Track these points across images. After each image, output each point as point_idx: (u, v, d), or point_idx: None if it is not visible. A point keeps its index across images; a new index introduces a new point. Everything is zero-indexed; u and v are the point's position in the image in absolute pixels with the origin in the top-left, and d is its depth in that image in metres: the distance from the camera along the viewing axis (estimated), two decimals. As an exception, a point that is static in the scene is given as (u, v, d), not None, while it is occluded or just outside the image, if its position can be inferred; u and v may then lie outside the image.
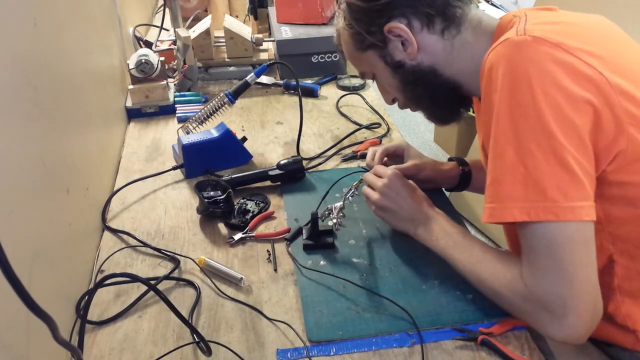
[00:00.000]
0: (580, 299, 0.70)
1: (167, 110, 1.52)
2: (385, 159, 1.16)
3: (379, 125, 1.44)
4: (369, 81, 1.70)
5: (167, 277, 0.96)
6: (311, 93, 1.61)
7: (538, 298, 0.73)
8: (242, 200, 1.14)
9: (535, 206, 0.70)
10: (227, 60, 1.70)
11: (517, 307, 0.78)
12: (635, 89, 0.73)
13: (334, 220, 1.00)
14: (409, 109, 1.01)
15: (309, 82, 1.67)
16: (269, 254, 1.01)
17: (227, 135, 1.24)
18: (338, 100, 1.58)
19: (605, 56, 0.74)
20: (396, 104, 1.02)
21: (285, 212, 1.12)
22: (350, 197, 1.03)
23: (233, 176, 1.18)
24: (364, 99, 1.59)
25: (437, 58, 0.88)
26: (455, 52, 0.86)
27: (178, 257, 1.00)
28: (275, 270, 0.98)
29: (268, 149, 1.36)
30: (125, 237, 1.07)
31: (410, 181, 1.02)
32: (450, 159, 1.17)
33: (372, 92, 1.65)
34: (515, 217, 0.72)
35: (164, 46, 1.72)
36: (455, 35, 0.86)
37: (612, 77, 0.72)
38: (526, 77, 0.70)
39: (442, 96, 0.92)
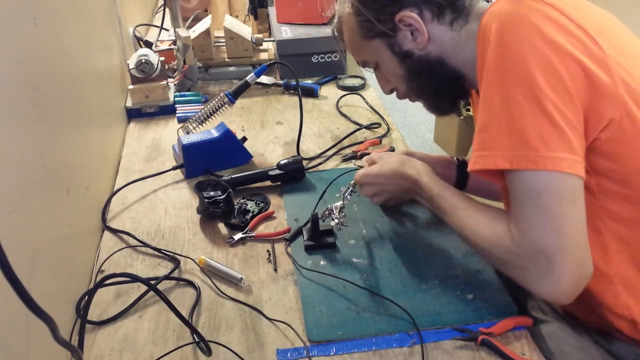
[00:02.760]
0: (566, 253, 0.70)
1: (167, 110, 1.52)
2: None
3: (379, 125, 1.44)
4: (369, 81, 1.71)
5: (167, 277, 0.96)
6: (311, 93, 1.61)
7: (525, 251, 0.72)
8: (242, 200, 1.14)
9: (518, 154, 0.71)
10: (227, 60, 1.70)
11: (506, 263, 0.77)
12: (630, 67, 0.74)
13: (336, 220, 1.00)
14: (407, 102, 1.01)
15: (309, 82, 1.67)
16: (269, 254, 1.01)
17: (227, 135, 1.24)
18: (338, 100, 1.58)
19: (601, 31, 0.74)
20: (393, 96, 1.01)
21: (285, 212, 1.12)
22: (348, 196, 1.03)
23: (233, 176, 1.18)
24: (364, 98, 1.58)
25: (445, 48, 0.88)
26: (462, 42, 0.87)
27: (178, 257, 1.00)
28: (275, 270, 0.98)
29: (268, 149, 1.36)
30: (125, 237, 1.07)
31: (394, 159, 1.02)
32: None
33: (372, 92, 1.65)
34: (497, 165, 0.72)
35: (164, 46, 1.72)
36: (462, 25, 0.86)
37: (607, 48, 0.72)
38: (517, 29, 0.71)
39: (446, 87, 0.93)
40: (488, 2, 0.88)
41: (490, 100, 0.73)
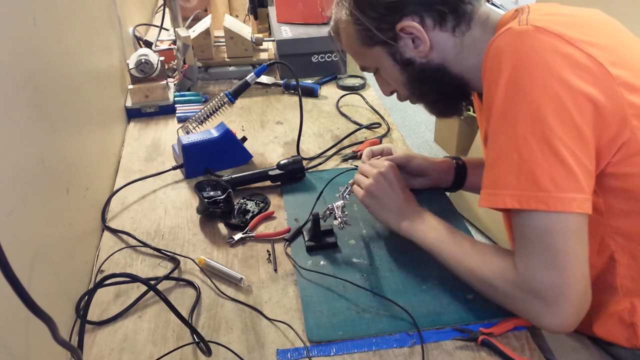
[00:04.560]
0: (572, 287, 0.71)
1: (167, 110, 1.52)
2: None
3: (379, 125, 1.44)
4: (369, 81, 1.71)
5: (167, 277, 0.96)
6: (311, 93, 1.61)
7: (530, 286, 0.73)
8: (242, 200, 1.14)
9: (527, 195, 0.71)
10: (227, 60, 1.70)
11: (508, 296, 0.78)
12: (636, 79, 0.73)
13: (339, 219, 1.00)
14: (407, 102, 1.00)
15: (309, 82, 1.67)
16: (269, 254, 1.01)
17: (227, 135, 1.24)
18: (338, 100, 1.57)
19: (606, 47, 0.74)
20: (394, 96, 1.01)
21: (285, 212, 1.12)
22: (347, 195, 1.03)
23: (233, 176, 1.18)
24: (364, 98, 1.58)
25: (446, 55, 0.87)
26: (464, 49, 0.86)
27: (178, 257, 1.00)
28: (275, 270, 0.98)
29: (268, 149, 1.36)
30: (125, 237, 1.07)
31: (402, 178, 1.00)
32: (446, 157, 1.17)
33: (372, 92, 1.64)
34: (506, 204, 0.72)
35: (164, 46, 1.72)
36: (465, 32, 0.85)
37: (613, 69, 0.72)
38: (526, 66, 0.70)
39: (448, 92, 0.92)
40: (496, 6, 0.87)
41: (500, 137, 0.73)
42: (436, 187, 1.15)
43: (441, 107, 0.98)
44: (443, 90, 0.91)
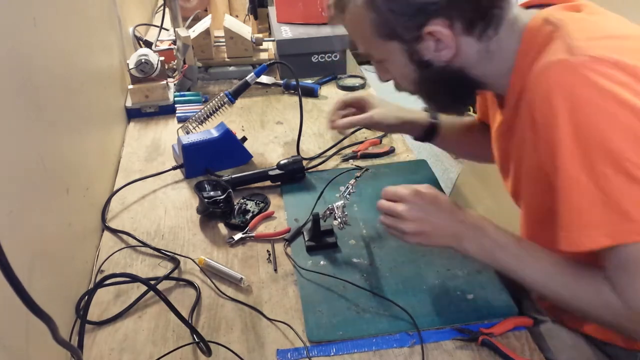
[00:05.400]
0: None
1: (167, 110, 1.52)
2: (347, 111, 1.15)
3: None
4: (369, 82, 1.71)
5: (167, 277, 0.96)
6: (311, 93, 1.61)
7: (638, 315, 0.71)
8: (242, 200, 1.14)
9: (619, 229, 0.68)
10: (227, 60, 1.70)
11: (613, 324, 0.76)
12: None
13: (339, 220, 1.00)
14: (407, 99, 0.97)
15: (309, 82, 1.67)
16: (269, 254, 1.01)
17: (227, 135, 1.24)
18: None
19: None
20: (394, 94, 0.97)
21: (285, 212, 1.12)
22: (348, 196, 1.02)
23: (233, 176, 1.18)
24: None
25: (469, 61, 0.81)
26: (488, 54, 0.81)
27: (178, 257, 1.00)
28: (275, 270, 0.98)
29: (268, 149, 1.36)
30: (125, 237, 1.07)
31: (431, 190, 0.88)
32: (425, 110, 1.12)
33: (372, 91, 1.64)
34: (600, 244, 0.69)
35: (164, 46, 1.72)
36: (492, 37, 0.79)
37: None
38: (590, 103, 0.67)
39: (458, 95, 0.88)
40: (528, 8, 0.83)
41: (576, 181, 0.69)
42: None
43: (445, 106, 0.94)
44: (454, 92, 0.87)
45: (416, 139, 1.16)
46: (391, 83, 0.94)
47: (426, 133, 1.14)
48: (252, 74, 1.27)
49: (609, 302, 0.73)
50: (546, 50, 0.74)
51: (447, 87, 0.85)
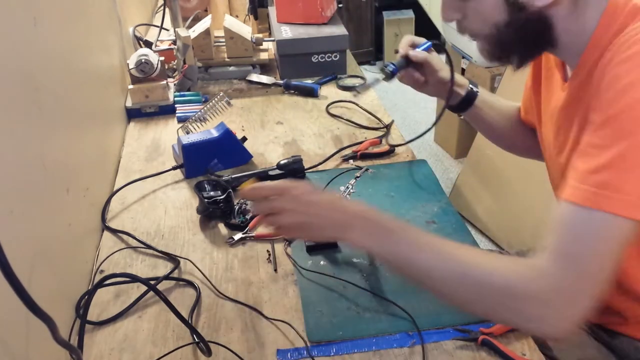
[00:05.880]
0: (592, 298, 0.67)
1: (167, 110, 1.52)
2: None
3: (383, 127, 1.44)
4: (369, 82, 1.71)
5: (167, 277, 0.96)
6: (311, 93, 1.61)
7: (550, 284, 0.67)
8: (242, 200, 1.14)
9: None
10: (227, 60, 1.70)
11: (518, 300, 0.70)
12: None
13: None
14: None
15: (309, 82, 1.67)
16: (269, 254, 1.01)
17: (227, 135, 1.24)
18: (327, 106, 1.55)
19: None
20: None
21: (285, 212, 1.12)
22: (348, 196, 1.03)
23: (233, 176, 1.18)
24: (356, 104, 1.55)
25: (559, 12, 0.79)
26: (576, 11, 0.79)
27: (178, 257, 1.00)
28: (275, 270, 0.98)
29: (268, 149, 1.36)
30: (125, 237, 1.07)
31: (305, 185, 0.81)
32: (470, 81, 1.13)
33: (372, 92, 1.64)
34: (626, 212, 0.65)
35: (164, 46, 1.72)
36: None
37: None
38: None
39: (533, 49, 0.85)
40: None
41: (625, 143, 0.66)
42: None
43: (510, 55, 0.88)
44: (533, 44, 0.84)
45: (451, 108, 1.13)
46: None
47: (463, 100, 1.11)
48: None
49: (522, 267, 0.70)
50: (628, 29, 0.72)
51: (528, 36, 0.82)
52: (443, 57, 1.24)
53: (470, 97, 1.11)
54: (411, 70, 1.09)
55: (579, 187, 0.68)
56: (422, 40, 1.12)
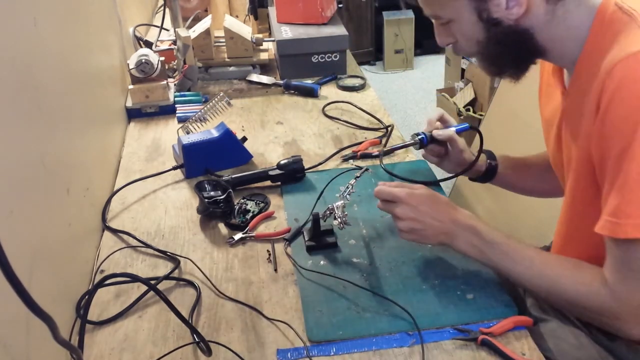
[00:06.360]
0: None
1: (167, 110, 1.52)
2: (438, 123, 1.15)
3: (383, 128, 1.43)
4: (369, 82, 1.71)
5: (167, 277, 0.96)
6: (311, 93, 1.61)
7: (629, 307, 0.77)
8: (242, 200, 1.15)
9: None
10: (227, 60, 1.70)
11: (600, 313, 0.81)
12: None
13: (339, 219, 1.00)
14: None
15: (309, 82, 1.67)
16: (269, 254, 1.01)
17: (227, 135, 1.25)
18: (323, 107, 1.56)
19: None
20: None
21: (285, 212, 1.12)
22: (348, 196, 1.02)
23: (233, 176, 1.18)
24: (355, 105, 1.54)
25: (536, 21, 0.82)
26: (555, 18, 0.82)
27: (178, 257, 1.00)
28: (276, 270, 0.98)
29: (268, 149, 1.36)
30: (125, 237, 1.07)
31: (423, 191, 0.95)
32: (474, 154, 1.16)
33: (372, 92, 1.65)
34: (628, 234, 0.72)
35: (164, 46, 1.72)
36: (558, 1, 0.81)
37: None
38: None
39: (522, 59, 0.88)
40: None
41: (629, 168, 0.71)
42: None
43: (504, 69, 0.92)
44: (518, 55, 0.87)
45: (474, 179, 1.19)
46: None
47: (485, 175, 1.17)
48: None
49: (589, 282, 0.79)
50: (619, 39, 0.75)
51: (511, 48, 0.86)
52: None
53: (491, 170, 1.16)
54: (435, 145, 1.14)
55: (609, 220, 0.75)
56: (451, 119, 1.17)
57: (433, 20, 0.91)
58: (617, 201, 0.73)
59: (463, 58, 2.88)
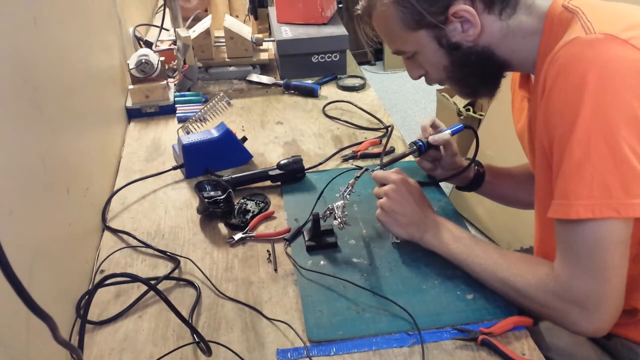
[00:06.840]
0: (613, 297, 0.74)
1: (167, 110, 1.52)
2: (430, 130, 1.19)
3: (383, 128, 1.43)
4: (369, 82, 1.71)
5: (167, 277, 0.96)
6: (311, 93, 1.61)
7: (572, 295, 0.76)
8: (242, 200, 1.15)
9: (600, 203, 0.71)
10: (227, 60, 1.70)
11: (544, 305, 0.80)
12: None
13: (339, 220, 1.00)
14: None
15: (309, 82, 1.67)
16: (269, 254, 1.01)
17: (227, 135, 1.24)
18: (324, 107, 1.56)
19: None
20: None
21: (285, 212, 1.12)
22: (348, 196, 1.02)
23: (233, 176, 1.18)
24: (355, 105, 1.54)
25: (493, 39, 0.86)
26: (510, 32, 0.85)
27: (178, 257, 1.00)
28: (276, 270, 0.98)
29: (268, 149, 1.36)
30: (125, 237, 1.07)
31: (416, 185, 1.01)
32: (467, 159, 1.19)
33: (372, 92, 1.65)
34: (579, 214, 0.72)
35: (164, 46, 1.72)
36: (511, 15, 0.84)
37: None
38: (598, 77, 0.70)
39: (489, 76, 0.92)
40: None
41: (571, 147, 0.72)
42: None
43: (476, 90, 0.97)
44: (485, 73, 0.91)
45: (461, 188, 1.23)
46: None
47: (472, 182, 1.20)
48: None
49: (543, 281, 0.79)
50: (565, 34, 0.77)
51: (476, 68, 0.90)
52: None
53: (479, 177, 1.19)
54: (432, 151, 1.17)
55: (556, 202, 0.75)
56: (441, 124, 1.19)
57: (401, 57, 0.96)
58: (565, 183, 0.74)
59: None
